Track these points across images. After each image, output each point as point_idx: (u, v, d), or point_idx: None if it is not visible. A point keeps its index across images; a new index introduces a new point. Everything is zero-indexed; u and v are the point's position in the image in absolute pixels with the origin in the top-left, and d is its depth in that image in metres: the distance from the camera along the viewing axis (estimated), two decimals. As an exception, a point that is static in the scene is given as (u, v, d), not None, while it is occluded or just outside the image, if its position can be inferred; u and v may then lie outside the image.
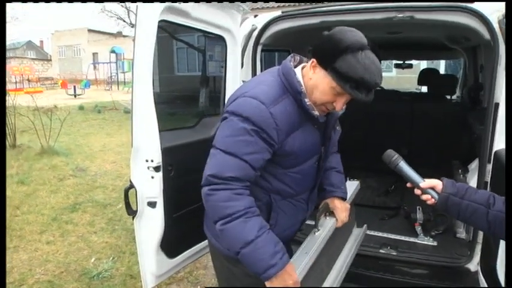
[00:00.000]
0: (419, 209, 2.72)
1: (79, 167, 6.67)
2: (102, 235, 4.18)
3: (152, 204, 1.90)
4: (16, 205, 4.93)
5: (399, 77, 13.48)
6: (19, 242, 4.00)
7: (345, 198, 1.85)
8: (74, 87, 21.64)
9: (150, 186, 1.88)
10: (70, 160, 7.10)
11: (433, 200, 1.49)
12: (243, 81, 2.45)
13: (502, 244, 1.70)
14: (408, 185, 1.57)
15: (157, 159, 1.86)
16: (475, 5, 2.18)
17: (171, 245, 2.06)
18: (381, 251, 2.47)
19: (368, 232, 2.65)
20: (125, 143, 8.67)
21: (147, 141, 1.84)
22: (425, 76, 4.52)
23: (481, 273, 2.17)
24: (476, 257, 2.27)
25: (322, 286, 1.74)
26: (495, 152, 2.07)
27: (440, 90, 4.11)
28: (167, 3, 1.80)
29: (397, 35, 3.40)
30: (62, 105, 12.13)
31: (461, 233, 2.61)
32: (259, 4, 15.54)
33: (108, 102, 15.85)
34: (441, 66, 12.57)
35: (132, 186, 1.89)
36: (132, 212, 1.92)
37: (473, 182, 2.46)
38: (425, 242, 2.57)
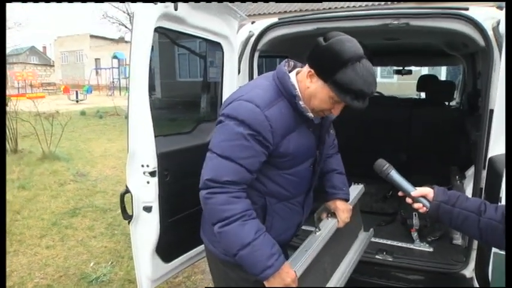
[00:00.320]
0: (415, 215, 2.72)
1: (80, 172, 6.70)
2: (102, 240, 4.19)
3: (148, 209, 1.91)
4: (17, 210, 4.95)
5: (400, 83, 13.50)
6: (19, 246, 4.02)
7: (347, 200, 1.86)
8: (76, 92, 21.76)
9: (146, 191, 1.89)
10: (71, 165, 7.13)
11: (424, 208, 1.50)
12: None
13: (494, 250, 1.70)
14: (400, 193, 1.58)
15: (153, 165, 1.87)
16: (470, 12, 2.20)
17: (167, 249, 2.07)
18: (376, 256, 2.47)
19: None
20: (125, 148, 8.59)
21: (142, 146, 1.85)
22: (424, 82, 4.53)
23: (475, 279, 2.17)
24: (472, 263, 2.27)
25: (325, 287, 1.75)
26: (490, 158, 2.07)
27: (438, 96, 4.12)
28: (163, 10, 1.82)
29: (395, 41, 3.42)
30: (64, 110, 12.20)
31: (458, 239, 2.61)
32: (257, 10, 15.64)
33: (110, 108, 15.91)
34: (442, 72, 12.61)
35: (128, 191, 1.90)
36: (128, 217, 1.93)
37: (470, 188, 2.47)
38: (422, 248, 2.57)
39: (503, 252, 1.32)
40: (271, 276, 1.48)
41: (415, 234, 2.64)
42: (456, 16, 2.18)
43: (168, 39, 2.38)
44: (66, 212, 4.94)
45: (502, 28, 2.07)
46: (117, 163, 7.45)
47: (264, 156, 1.53)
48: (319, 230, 1.69)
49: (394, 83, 14.99)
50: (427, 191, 1.51)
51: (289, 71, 1.62)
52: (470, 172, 2.76)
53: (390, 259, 2.45)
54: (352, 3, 13.58)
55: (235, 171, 1.48)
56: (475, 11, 2.19)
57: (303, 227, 1.95)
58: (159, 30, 1.89)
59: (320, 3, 14.04)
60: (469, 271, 2.29)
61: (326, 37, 1.47)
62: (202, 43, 2.48)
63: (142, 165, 1.87)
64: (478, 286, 2.13)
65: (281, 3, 15.66)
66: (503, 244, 1.34)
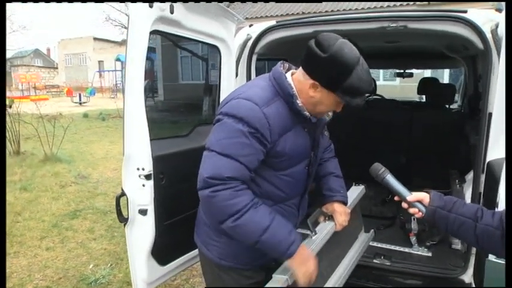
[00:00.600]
0: (414, 219, 2.70)
1: (81, 174, 6.71)
2: (101, 242, 4.20)
3: (143, 212, 1.91)
4: (18, 211, 4.98)
5: (403, 85, 13.49)
6: (19, 248, 4.03)
7: (345, 203, 1.85)
8: (79, 94, 21.85)
9: (141, 194, 1.89)
10: (72, 167, 7.16)
11: (420, 213, 1.49)
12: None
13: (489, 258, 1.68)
14: (396, 198, 1.57)
15: (149, 168, 1.87)
16: (468, 15, 2.18)
17: (162, 252, 2.07)
18: (374, 260, 2.45)
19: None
20: (127, 150, 8.69)
21: (138, 149, 1.85)
22: (425, 85, 4.52)
23: (474, 285, 2.15)
24: (471, 269, 2.25)
25: (323, 287, 1.75)
26: (488, 163, 2.06)
27: (439, 99, 4.11)
28: (159, 14, 1.82)
29: (396, 44, 3.41)
30: (67, 112, 12.25)
31: (457, 244, 2.58)
32: (254, 14, 15.66)
33: (113, 110, 15.96)
34: (445, 75, 12.57)
35: (123, 194, 1.90)
36: (123, 220, 1.93)
37: (469, 192, 2.45)
38: (420, 253, 2.55)
39: (497, 260, 1.31)
40: (295, 253, 1.52)
41: (413, 239, 2.62)
42: (454, 19, 2.17)
43: (170, 42, 2.39)
44: (67, 214, 4.95)
45: (501, 31, 2.06)
46: (118, 165, 7.45)
47: (262, 154, 1.54)
48: (315, 233, 1.67)
49: (396, 85, 14.97)
50: (423, 195, 1.50)
51: (285, 72, 1.63)
52: (470, 176, 2.74)
53: (388, 263, 2.43)
54: (352, 3, 13.55)
55: (236, 168, 1.48)
56: (474, 14, 2.17)
57: (299, 230, 1.93)
58: (154, 33, 1.89)
59: (320, 4, 14.06)
60: (467, 276, 2.27)
61: (321, 45, 1.46)
62: (204, 46, 2.48)
63: (138, 169, 1.87)
64: None
65: (282, 4, 15.66)
66: (500, 251, 1.33)
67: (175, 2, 1.91)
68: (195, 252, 2.25)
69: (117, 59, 28.23)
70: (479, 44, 2.17)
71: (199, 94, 3.02)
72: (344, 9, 13.28)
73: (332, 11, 13.46)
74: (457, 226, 1.41)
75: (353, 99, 1.50)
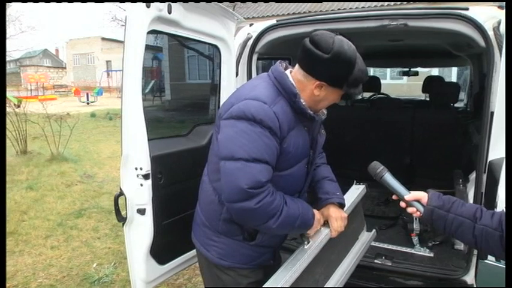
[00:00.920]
0: (416, 219, 2.68)
1: (87, 173, 6.75)
2: (106, 241, 4.22)
3: (141, 212, 1.91)
4: (24, 210, 5.02)
5: (410, 84, 13.38)
6: (24, 246, 4.07)
7: (342, 205, 1.83)
8: (87, 94, 21.98)
9: (139, 194, 1.90)
10: (79, 166, 7.20)
11: (418, 213, 1.47)
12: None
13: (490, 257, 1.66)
14: (394, 197, 1.56)
15: (146, 167, 1.87)
16: (470, 12, 2.15)
17: (161, 251, 2.07)
18: (375, 261, 2.43)
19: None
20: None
21: (136, 149, 1.85)
22: (429, 84, 4.48)
23: (476, 285, 2.13)
24: (473, 270, 2.21)
25: (323, 287, 1.74)
26: (489, 162, 2.03)
27: (443, 98, 4.06)
28: (156, 14, 1.82)
29: (400, 43, 3.39)
30: (75, 112, 12.35)
31: (460, 244, 2.55)
32: (261, 13, 15.64)
33: (120, 110, 16.00)
34: (453, 73, 12.45)
35: (121, 193, 1.90)
36: (121, 219, 1.94)
37: (472, 192, 2.42)
38: (422, 253, 2.52)
39: (490, 262, 1.29)
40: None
41: (415, 239, 2.60)
42: (455, 16, 2.14)
43: (177, 42, 2.39)
44: (72, 213, 4.99)
45: (503, 28, 2.03)
46: (124, 165, 7.49)
47: (279, 151, 1.56)
48: (308, 243, 1.66)
49: (403, 84, 14.86)
50: (421, 195, 1.48)
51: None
52: (474, 176, 2.71)
53: (389, 264, 2.41)
54: (351, 4, 13.50)
55: (268, 171, 1.50)
56: (475, 11, 2.14)
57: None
58: (152, 33, 1.89)
59: (327, 2, 14.02)
60: (470, 277, 2.24)
61: (318, 45, 1.48)
62: (210, 45, 2.47)
63: (136, 168, 1.87)
64: None
65: (288, 4, 15.63)
66: (499, 252, 1.31)
67: (174, 1, 1.91)
68: (195, 251, 2.25)
69: (125, 59, 28.38)
70: (481, 42, 2.14)
71: (205, 93, 3.02)
72: (345, 8, 13.21)
73: (339, 9, 13.40)
74: (455, 226, 1.39)
75: (356, 90, 1.58)
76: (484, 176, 2.11)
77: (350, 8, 12.94)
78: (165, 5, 1.86)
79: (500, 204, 1.58)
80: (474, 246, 1.42)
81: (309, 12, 14.40)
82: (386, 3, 12.98)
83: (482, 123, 2.17)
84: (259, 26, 2.65)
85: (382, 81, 5.23)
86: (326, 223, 1.77)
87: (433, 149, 3.72)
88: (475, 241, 1.36)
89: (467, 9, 2.17)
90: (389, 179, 1.56)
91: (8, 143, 7.68)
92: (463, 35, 2.22)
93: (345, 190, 2.01)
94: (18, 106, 9.12)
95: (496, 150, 1.98)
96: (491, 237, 1.31)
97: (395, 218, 3.05)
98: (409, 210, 1.51)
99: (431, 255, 2.52)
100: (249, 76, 2.68)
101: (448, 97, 4.03)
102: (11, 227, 4.47)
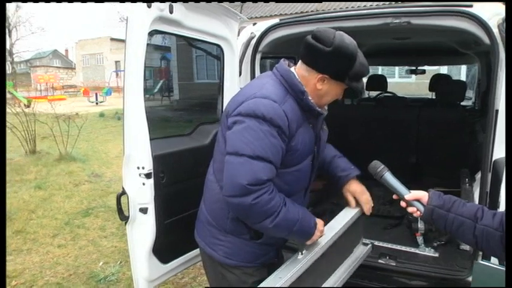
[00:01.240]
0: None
1: (94, 173, 6.81)
2: (112, 240, 4.26)
3: (144, 210, 1.92)
4: (32, 209, 5.09)
5: (418, 82, 13.26)
6: (32, 245, 4.12)
7: (359, 175, 1.96)
8: (96, 94, 22.16)
9: (142, 193, 1.90)
10: (86, 166, 7.27)
11: (418, 212, 1.46)
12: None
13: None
14: (394, 196, 1.56)
15: (148, 167, 1.88)
16: (474, 9, 2.13)
17: (164, 250, 2.07)
18: (379, 261, 2.41)
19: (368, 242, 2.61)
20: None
21: (138, 148, 1.86)
22: (436, 82, 4.44)
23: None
24: None
25: (321, 286, 1.73)
26: (494, 161, 2.01)
27: (449, 96, 4.02)
28: (158, 14, 1.82)
29: (406, 41, 3.36)
30: (84, 112, 12.42)
31: (465, 245, 2.52)
32: (262, 12, 15.63)
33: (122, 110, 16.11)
34: (462, 71, 12.33)
35: (124, 192, 1.91)
36: (124, 218, 1.95)
37: (478, 191, 2.39)
38: (426, 253, 2.49)
39: (484, 263, 1.27)
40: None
41: (420, 239, 2.57)
42: (459, 14, 2.12)
43: (185, 42, 2.40)
44: (79, 212, 5.04)
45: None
46: (131, 164, 7.53)
47: (285, 152, 1.58)
48: (302, 254, 1.63)
49: (412, 82, 14.74)
50: (422, 194, 1.48)
51: None
52: (480, 175, 2.68)
53: (393, 264, 2.39)
54: (354, 3, 13.41)
55: (270, 170, 1.51)
56: (480, 8, 2.12)
57: None
58: (154, 33, 1.90)
59: (335, 1, 13.96)
60: None
61: (320, 39, 1.51)
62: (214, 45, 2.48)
63: (138, 167, 1.87)
64: None
65: (294, 4, 15.60)
66: (500, 252, 1.30)
67: (175, 1, 1.91)
68: (198, 250, 2.25)
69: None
70: (486, 40, 2.11)
71: (213, 93, 3.01)
72: (347, 7, 13.13)
73: (347, 8, 13.34)
74: (456, 226, 1.38)
75: (358, 84, 1.61)
76: (489, 175, 2.09)
77: (357, 7, 12.85)
78: (166, 4, 1.86)
79: (503, 204, 1.56)
80: (475, 246, 1.41)
81: (316, 10, 14.37)
82: (387, 2, 12.88)
83: (487, 122, 2.14)
84: (263, 25, 2.65)
85: (390, 80, 5.21)
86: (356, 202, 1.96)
87: (439, 148, 3.69)
88: (476, 241, 1.35)
89: (471, 6, 2.14)
90: (390, 178, 1.56)
91: (18, 142, 7.79)
92: (468, 33, 2.19)
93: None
94: (28, 106, 9.24)
95: (500, 149, 1.96)
96: (492, 237, 1.30)
97: (400, 217, 3.02)
98: (410, 209, 1.50)
99: (436, 255, 2.49)
100: (253, 75, 2.68)
101: (454, 95, 3.98)
102: (20, 226, 4.53)
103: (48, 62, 48.33)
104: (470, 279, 2.22)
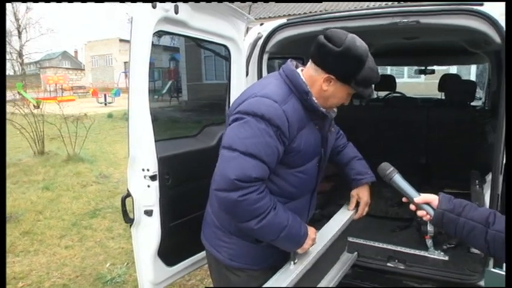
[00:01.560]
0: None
1: (102, 173, 6.83)
2: (119, 241, 4.25)
3: (149, 213, 1.90)
4: (39, 210, 5.11)
5: (428, 82, 13.12)
6: (39, 246, 4.13)
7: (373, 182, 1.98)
8: (105, 95, 22.28)
9: (147, 195, 1.88)
10: (94, 167, 7.29)
11: (428, 216, 1.43)
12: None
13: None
14: (404, 199, 1.53)
15: (153, 169, 1.86)
16: (484, 8, 2.08)
17: (169, 253, 2.06)
18: (388, 264, 2.37)
19: (376, 244, 2.57)
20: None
21: (143, 150, 1.85)
22: (445, 82, 4.37)
23: None
24: None
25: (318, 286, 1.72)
26: (506, 163, 1.96)
27: (459, 96, 3.96)
28: (163, 14, 1.80)
29: (415, 41, 3.31)
30: (92, 113, 12.49)
31: None
32: (271, 13, 15.61)
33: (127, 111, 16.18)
34: (472, 71, 12.18)
35: (129, 194, 1.90)
36: (129, 220, 1.93)
37: (489, 193, 2.34)
38: (436, 256, 2.44)
39: (497, 271, 1.23)
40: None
41: (429, 241, 2.52)
42: (469, 12, 2.07)
43: (194, 43, 2.39)
44: (87, 213, 5.05)
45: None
46: (139, 165, 7.54)
47: (281, 153, 1.55)
48: (295, 263, 1.61)
49: (421, 82, 14.59)
50: (432, 198, 1.44)
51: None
52: (491, 177, 2.63)
53: (402, 267, 2.35)
54: (359, 4, 13.34)
55: (261, 168, 1.49)
56: (490, 6, 2.07)
57: None
58: (159, 34, 1.88)
59: (337, 3, 13.91)
60: None
61: (331, 39, 1.51)
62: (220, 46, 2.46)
63: (143, 169, 1.86)
64: None
65: (302, 4, 15.56)
66: None
67: (178, 1, 1.89)
68: (204, 253, 2.24)
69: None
70: (497, 39, 2.06)
71: (221, 94, 3.00)
72: (361, 6, 13.07)
73: (355, 7, 13.27)
74: (467, 231, 1.34)
75: (365, 90, 1.57)
76: (501, 177, 2.04)
77: (367, 6, 12.77)
78: (171, 5, 1.84)
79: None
80: (486, 252, 1.36)
81: (326, 10, 14.31)
82: (396, 2, 12.79)
83: (498, 122, 2.09)
84: (270, 25, 2.62)
85: (399, 80, 5.15)
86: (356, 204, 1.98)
87: (449, 149, 3.64)
88: (487, 247, 1.31)
89: (481, 4, 2.10)
90: (399, 180, 1.53)
91: (26, 143, 7.85)
92: (478, 32, 2.14)
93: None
94: (37, 107, 9.31)
95: (512, 151, 1.91)
96: (504, 243, 1.25)
97: (409, 219, 2.97)
98: (419, 213, 1.47)
99: (446, 258, 2.44)
100: (260, 76, 2.66)
101: (464, 95, 3.93)
102: (27, 227, 4.55)
103: (58, 63, 48.81)
104: (481, 283, 2.18)
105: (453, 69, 11.08)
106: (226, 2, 2.16)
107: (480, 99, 5.40)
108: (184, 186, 2.06)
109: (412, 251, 2.49)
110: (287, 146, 1.56)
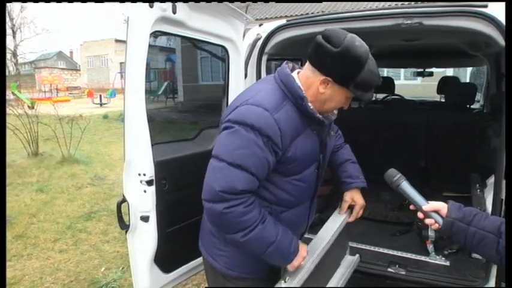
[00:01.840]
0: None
1: (97, 175, 6.75)
2: (114, 244, 4.18)
3: (145, 219, 1.85)
4: (33, 213, 5.02)
5: (424, 84, 13.16)
6: (33, 250, 4.05)
7: (364, 187, 1.91)
8: (100, 96, 22.17)
9: (143, 200, 1.84)
10: (89, 168, 7.21)
11: (436, 224, 1.38)
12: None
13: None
14: (411, 207, 1.48)
15: (150, 173, 1.81)
16: (489, 10, 2.05)
17: (166, 259, 2.01)
18: (389, 269, 2.33)
19: (377, 249, 2.53)
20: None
21: (139, 154, 1.79)
22: (444, 84, 4.36)
23: None
24: (493, 280, 2.10)
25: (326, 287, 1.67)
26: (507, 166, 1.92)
27: (459, 99, 3.94)
28: (160, 14, 1.75)
29: (414, 42, 3.29)
30: (87, 114, 12.40)
31: None
32: (268, 14, 15.60)
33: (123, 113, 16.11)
34: (467, 73, 12.20)
35: (124, 200, 1.85)
36: (124, 226, 1.88)
37: (490, 197, 2.31)
38: (437, 262, 2.41)
39: None
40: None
41: (430, 247, 2.49)
42: (474, 14, 2.03)
43: (190, 44, 2.34)
44: (81, 216, 4.97)
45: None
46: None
47: (272, 165, 1.48)
48: (286, 281, 1.55)
49: (418, 84, 14.63)
50: (441, 205, 1.39)
51: (291, 72, 1.57)
52: (492, 180, 2.59)
53: (403, 272, 2.31)
54: (357, 4, 13.34)
55: (248, 180, 1.43)
56: (495, 8, 2.03)
57: (306, 235, 1.91)
58: (156, 34, 1.83)
59: (340, 2, 13.91)
60: None
61: (330, 40, 1.42)
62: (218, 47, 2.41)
63: (139, 174, 1.81)
64: None
65: (301, 4, 15.55)
66: None
67: (176, 1, 1.85)
68: (201, 259, 2.19)
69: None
70: (501, 41, 2.03)
71: (218, 95, 2.96)
72: (358, 8, 13.06)
73: (352, 8, 13.27)
74: (477, 241, 1.29)
75: (365, 94, 1.49)
76: (504, 182, 2.01)
77: (363, 8, 12.76)
78: (169, 4, 1.79)
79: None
80: (498, 263, 1.31)
81: (323, 12, 14.29)
82: (394, 3, 12.80)
83: (502, 126, 2.06)
84: (269, 26, 2.58)
85: (396, 82, 5.13)
86: (349, 207, 1.89)
87: (448, 152, 3.61)
88: (500, 258, 1.26)
89: (486, 6, 2.06)
90: (407, 187, 1.48)
91: (20, 144, 7.75)
92: (482, 34, 2.11)
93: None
94: (32, 108, 9.21)
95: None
96: None
97: (409, 224, 2.94)
98: (427, 221, 1.41)
99: (447, 263, 2.41)
100: (258, 78, 2.61)
101: (464, 98, 3.90)
102: (20, 230, 4.47)
103: (53, 64, 48.56)
104: (484, 289, 2.15)
105: (449, 71, 11.09)
106: (226, 2, 2.11)
107: (478, 101, 5.39)
108: (182, 191, 2.00)
109: (413, 256, 2.46)
110: (280, 156, 1.49)
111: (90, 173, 6.90)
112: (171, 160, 1.98)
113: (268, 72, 2.74)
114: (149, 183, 1.82)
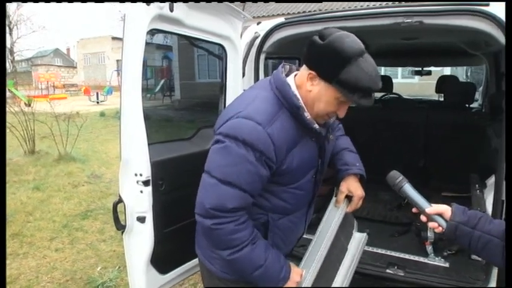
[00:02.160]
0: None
1: (94, 173, 6.71)
2: (111, 243, 4.16)
3: (141, 220, 1.82)
4: (29, 211, 5.00)
5: (421, 83, 13.16)
6: (29, 249, 4.03)
7: (363, 177, 1.77)
8: (97, 93, 22.08)
9: (139, 201, 1.81)
10: (86, 166, 7.17)
11: (440, 228, 1.36)
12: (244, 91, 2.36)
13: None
14: (414, 210, 1.45)
15: (146, 173, 1.79)
16: (491, 8, 2.02)
17: (163, 260, 1.99)
18: (387, 270, 2.31)
19: (375, 250, 2.51)
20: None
21: (135, 154, 1.77)
22: (443, 83, 4.34)
23: None
24: (493, 282, 2.08)
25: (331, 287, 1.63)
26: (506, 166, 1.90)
27: (458, 98, 3.92)
28: (157, 12, 1.72)
29: (413, 41, 3.26)
30: (84, 111, 12.36)
31: None
32: (265, 12, 15.55)
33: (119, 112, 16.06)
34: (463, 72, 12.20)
35: (120, 200, 1.82)
36: (121, 227, 1.85)
37: (490, 198, 2.29)
38: (436, 263, 2.40)
39: None
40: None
41: (429, 248, 2.47)
42: (475, 13, 2.01)
43: (187, 41, 2.31)
44: (78, 214, 4.94)
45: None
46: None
47: (267, 178, 1.44)
48: None
49: (415, 83, 14.63)
50: (444, 208, 1.36)
51: (286, 75, 1.52)
52: (491, 181, 2.58)
53: (401, 274, 2.29)
54: (354, 3, 13.30)
55: (240, 198, 1.39)
56: (497, 7, 2.01)
57: (305, 236, 1.86)
58: (153, 32, 1.80)
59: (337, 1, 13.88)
60: None
61: (322, 35, 1.38)
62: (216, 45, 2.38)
63: (136, 174, 1.78)
64: None
65: (297, 3, 15.51)
66: None
67: (186, 1, 1.82)
68: (197, 260, 2.16)
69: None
70: (502, 40, 2.01)
71: (215, 93, 2.93)
72: (350, 7, 13.03)
73: (349, 7, 13.23)
74: (482, 245, 1.27)
75: (354, 95, 1.37)
76: (504, 183, 1.99)
77: (360, 6, 12.74)
78: (166, 3, 1.76)
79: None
80: (503, 267, 1.29)
81: (319, 10, 14.25)
82: (392, 2, 12.77)
83: (502, 126, 2.04)
84: (267, 24, 2.55)
85: (393, 81, 5.10)
86: (346, 198, 1.74)
87: (447, 151, 3.60)
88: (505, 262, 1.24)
89: (487, 4, 2.04)
90: (409, 190, 1.46)
91: (16, 142, 7.70)
92: (483, 33, 2.09)
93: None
94: (28, 105, 9.15)
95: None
96: None
97: (408, 224, 2.92)
98: (430, 224, 1.39)
99: (447, 265, 2.39)
100: (256, 76, 2.59)
101: (464, 97, 3.89)
102: (16, 229, 4.44)
103: (50, 61, 48.29)
104: (483, 291, 2.13)
105: (447, 70, 11.09)
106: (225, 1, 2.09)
107: (476, 100, 5.38)
108: (179, 191, 1.97)
109: (412, 257, 2.44)
110: (275, 169, 1.44)
111: (86, 171, 6.86)
112: (168, 160, 1.95)
113: (266, 70, 2.72)
114: (146, 183, 1.79)
